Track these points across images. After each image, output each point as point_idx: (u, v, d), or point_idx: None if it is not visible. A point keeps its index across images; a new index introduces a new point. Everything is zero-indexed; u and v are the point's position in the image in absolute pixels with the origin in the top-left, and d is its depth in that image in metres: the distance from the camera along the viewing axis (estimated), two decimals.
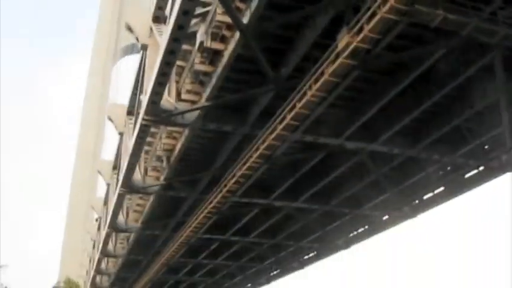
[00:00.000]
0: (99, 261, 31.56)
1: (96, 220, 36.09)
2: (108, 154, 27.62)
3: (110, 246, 28.82)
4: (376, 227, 25.32)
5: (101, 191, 36.74)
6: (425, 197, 22.91)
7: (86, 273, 43.47)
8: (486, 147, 17.81)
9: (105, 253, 28.75)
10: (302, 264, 30.38)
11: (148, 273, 30.32)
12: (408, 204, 23.25)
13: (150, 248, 27.71)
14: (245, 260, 29.53)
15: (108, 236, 25.97)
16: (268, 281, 34.35)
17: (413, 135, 17.03)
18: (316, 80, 11.28)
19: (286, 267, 31.50)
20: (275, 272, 33.08)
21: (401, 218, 23.92)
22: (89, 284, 40.10)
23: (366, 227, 25.62)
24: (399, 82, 13.75)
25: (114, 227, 24.08)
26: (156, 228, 24.71)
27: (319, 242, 26.86)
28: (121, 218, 24.30)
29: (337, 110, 15.31)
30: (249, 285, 36.47)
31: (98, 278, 37.02)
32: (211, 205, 18.30)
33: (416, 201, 23.27)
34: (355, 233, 26.27)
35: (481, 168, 18.43)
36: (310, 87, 11.56)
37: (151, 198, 21.35)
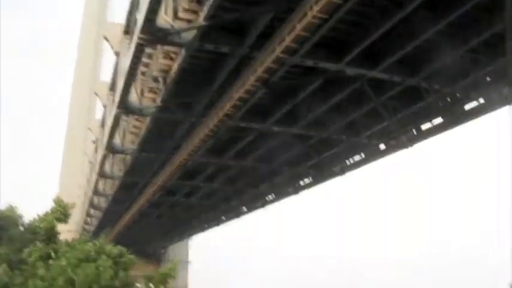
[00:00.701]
0: (97, 182, 31.85)
1: (94, 142, 36.21)
2: (106, 76, 27.34)
3: (107, 167, 28.96)
4: (373, 155, 25.40)
5: (99, 114, 36.63)
6: (423, 127, 22.89)
7: (84, 194, 43.98)
8: (488, 79, 17.54)
9: (102, 174, 28.94)
10: (297, 190, 30.68)
11: (145, 195, 30.69)
12: (406, 134, 23.24)
13: (146, 170, 27.83)
14: (241, 185, 29.80)
15: (104, 157, 26.08)
16: (263, 205, 34.85)
17: (414, 64, 16.71)
18: (317, 0, 10.86)
19: (281, 192, 31.84)
20: (270, 197, 33.48)
21: (398, 147, 23.97)
22: (87, 204, 40.74)
23: (363, 155, 25.70)
24: (404, 7, 13.28)
25: (111, 149, 24.11)
26: (152, 151, 24.69)
27: (315, 169, 27.00)
28: (117, 140, 24.27)
29: (339, 34, 14.89)
30: (245, 209, 37.03)
31: (95, 199, 37.50)
32: (208, 128, 18.19)
33: (414, 131, 23.27)
34: (351, 160, 26.38)
35: (482, 100, 18.23)
36: (310, 8, 11.15)
37: (148, 120, 21.19)
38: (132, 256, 16.54)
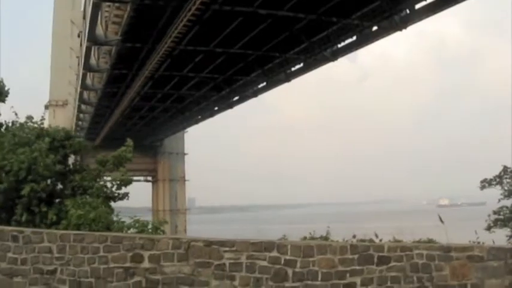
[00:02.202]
0: (84, 77, 31.17)
1: (78, 36, 35.02)
2: None
3: (93, 60, 28.15)
4: (365, 38, 24.68)
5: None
6: (417, 7, 22.01)
7: (75, 90, 43.32)
8: None
9: (88, 68, 28.18)
10: (289, 77, 30.18)
11: (134, 87, 30.17)
12: (398, 14, 22.41)
13: (133, 61, 27.10)
14: (231, 73, 29.21)
15: (89, 50, 25.23)
16: (255, 94, 34.50)
17: None
18: None
19: (273, 80, 31.32)
20: (262, 85, 33.02)
21: (391, 29, 23.20)
22: (77, 100, 40.25)
23: (354, 37, 24.94)
24: None
25: (94, 40, 23.27)
26: (136, 40, 23.87)
27: (305, 54, 26.32)
28: (100, 31, 23.33)
29: None
30: (237, 97, 36.67)
31: (85, 94, 36.91)
32: (190, 12, 17.35)
33: (408, 11, 22.41)
34: (342, 43, 25.66)
35: None
36: None
37: (129, 7, 20.22)
38: (82, 139, 14.68)
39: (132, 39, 23.60)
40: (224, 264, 8.92)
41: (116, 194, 14.31)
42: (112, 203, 14.84)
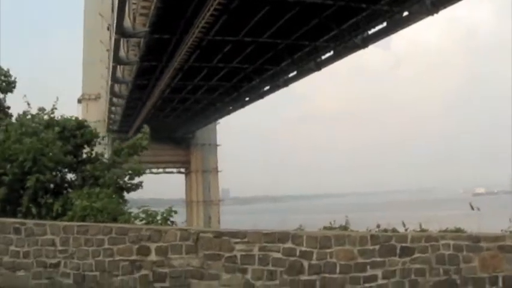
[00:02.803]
0: (114, 70, 31.26)
1: (108, 29, 35.19)
2: None
3: (122, 53, 28.19)
4: (395, 24, 24.08)
5: None
6: None
7: (106, 83, 43.68)
8: None
9: (117, 60, 28.23)
10: (319, 65, 29.74)
11: (164, 78, 30.19)
12: None
13: (162, 53, 27.09)
14: (261, 62, 28.93)
15: (117, 42, 25.26)
16: (285, 84, 34.15)
17: None
18: None
19: (303, 69, 30.94)
20: (292, 74, 32.66)
21: (422, 14, 22.59)
22: (108, 93, 40.57)
23: (385, 24, 24.35)
24: None
25: (122, 32, 23.20)
26: (164, 31, 23.80)
27: (335, 41, 25.87)
28: (128, 23, 23.23)
29: None
30: (268, 87, 36.39)
31: (116, 87, 37.14)
32: (216, 1, 17.13)
33: None
34: (373, 30, 25.09)
35: None
36: None
37: None
38: (92, 129, 13.15)
39: (160, 30, 23.53)
40: (235, 256, 8.49)
41: (129, 185, 13.36)
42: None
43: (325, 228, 10.12)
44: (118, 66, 32.56)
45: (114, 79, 33.69)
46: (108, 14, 34.16)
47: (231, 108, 44.89)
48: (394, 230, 9.44)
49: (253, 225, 11.16)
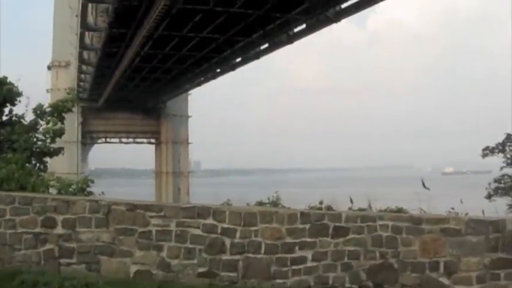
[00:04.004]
0: (82, 36, 30.64)
1: None
2: None
3: (91, 19, 27.65)
4: None
5: None
6: None
7: (76, 50, 42.71)
8: None
9: (85, 26, 27.69)
10: (291, 39, 29.42)
11: (133, 46, 29.59)
12: None
13: (131, 20, 26.42)
14: (232, 33, 28.49)
15: (84, 7, 24.67)
16: (257, 56, 33.80)
17: None
18: None
19: (274, 42, 30.61)
20: (264, 47, 32.31)
21: None
22: (76, 59, 39.76)
23: None
24: None
25: None
26: None
27: (307, 14, 25.59)
28: None
29: None
30: (239, 59, 36.00)
31: (85, 54, 36.44)
32: None
33: None
34: (345, 4, 24.88)
35: None
36: None
37: None
38: (12, 86, 11.07)
39: None
40: (150, 231, 7.78)
41: (51, 149, 11.75)
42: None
43: (257, 203, 9.46)
44: (87, 33, 31.93)
45: (83, 46, 33.04)
46: None
47: (202, 79, 44.35)
48: (329, 208, 8.76)
49: (214, 197, 10.68)
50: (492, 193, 19.85)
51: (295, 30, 28.92)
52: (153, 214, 7.82)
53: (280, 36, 29.55)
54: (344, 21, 26.33)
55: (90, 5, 25.14)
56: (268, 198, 9.62)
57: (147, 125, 60.21)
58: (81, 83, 49.98)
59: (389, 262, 7.88)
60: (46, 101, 12.89)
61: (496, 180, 20.25)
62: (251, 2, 23.59)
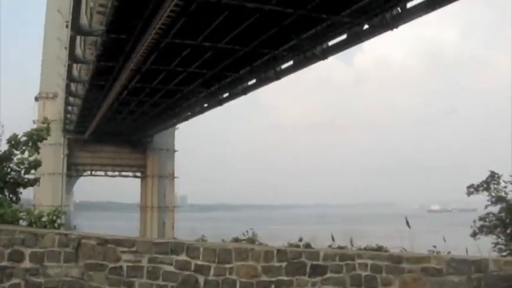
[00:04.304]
0: (70, 68, 30.63)
1: (66, 26, 34.45)
2: None
3: (79, 52, 27.66)
4: (355, 37, 24.17)
5: None
6: (409, 5, 21.56)
7: (63, 82, 42.71)
8: None
9: (73, 58, 27.66)
10: (278, 75, 29.67)
11: (121, 79, 29.62)
12: (390, 12, 21.96)
13: (119, 53, 26.53)
14: (219, 68, 28.68)
15: (73, 40, 24.70)
16: (244, 92, 33.98)
17: None
18: None
19: (261, 78, 30.84)
20: (251, 83, 32.52)
21: (382, 28, 22.76)
22: (64, 91, 39.69)
23: (345, 36, 24.45)
24: None
25: (78, 29, 22.74)
26: (122, 31, 23.32)
27: (294, 51, 25.85)
28: (84, 20, 22.84)
29: None
30: (227, 94, 36.15)
31: (72, 86, 36.38)
32: (174, 2, 16.83)
33: (399, 10, 21.98)
34: (333, 42, 25.18)
35: None
36: None
37: None
38: None
39: (117, 30, 23.06)
40: (121, 267, 7.46)
41: (25, 180, 11.36)
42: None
43: (233, 240, 9.30)
44: (75, 65, 31.92)
45: (70, 78, 33.01)
46: (67, 10, 33.46)
47: (189, 113, 44.43)
48: (307, 246, 8.61)
49: (191, 232, 10.45)
50: (477, 231, 19.79)
51: (283, 66, 29.19)
52: (125, 249, 7.54)
53: (268, 72, 29.80)
54: (332, 59, 26.66)
55: (78, 37, 25.16)
56: (244, 234, 9.45)
57: (133, 158, 59.96)
58: (68, 115, 49.85)
59: None
60: None
61: (481, 219, 20.20)
62: (238, 38, 23.77)
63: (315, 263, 7.70)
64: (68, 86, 35.73)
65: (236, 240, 9.24)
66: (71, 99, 41.29)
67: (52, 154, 56.30)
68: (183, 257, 7.56)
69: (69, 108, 46.47)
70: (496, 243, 18.57)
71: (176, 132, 60.17)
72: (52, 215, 9.56)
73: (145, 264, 7.51)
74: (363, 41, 24.56)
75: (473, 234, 19.82)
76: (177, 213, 63.03)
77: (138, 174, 61.04)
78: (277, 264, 7.64)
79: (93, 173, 61.60)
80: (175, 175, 60.58)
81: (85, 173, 62.97)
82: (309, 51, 25.67)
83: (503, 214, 19.80)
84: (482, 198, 21.61)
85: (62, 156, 56.08)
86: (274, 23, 22.12)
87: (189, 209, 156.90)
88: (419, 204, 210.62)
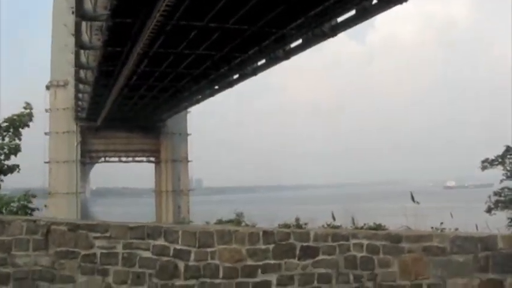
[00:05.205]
0: (77, 55, 30.49)
1: (72, 12, 34.25)
2: None
3: (85, 37, 27.48)
4: (364, 12, 23.68)
5: None
6: None
7: (73, 68, 42.61)
8: None
9: (80, 44, 27.51)
10: (287, 54, 29.29)
11: (129, 64, 29.42)
12: None
13: (126, 38, 26.26)
14: (228, 50, 28.32)
15: (78, 25, 24.52)
16: (254, 73, 33.64)
17: None
18: None
19: (271, 57, 30.44)
20: (261, 63, 32.15)
21: (391, 2, 22.31)
22: (73, 78, 39.64)
23: (354, 11, 23.96)
24: None
25: (82, 15, 22.56)
26: (126, 15, 23.01)
27: (303, 29, 25.41)
28: (89, 5, 22.64)
29: None
30: (237, 76, 35.82)
31: (82, 73, 36.29)
32: None
33: None
34: (342, 18, 24.70)
35: None
36: None
37: None
38: None
39: (122, 14, 22.75)
40: (94, 254, 7.01)
41: (5, 166, 11.26)
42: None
43: (217, 222, 8.75)
44: (83, 52, 31.78)
45: (79, 64, 32.91)
46: None
47: (200, 96, 44.21)
48: (297, 225, 8.02)
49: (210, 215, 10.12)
50: (492, 206, 19.46)
51: (292, 45, 28.78)
52: (98, 235, 7.08)
53: (277, 52, 29.40)
54: (343, 37, 26.23)
55: (84, 23, 24.97)
56: (237, 215, 8.89)
57: (146, 143, 60.05)
58: (79, 102, 49.87)
59: (365, 286, 7.19)
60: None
61: (496, 193, 19.84)
62: (245, 18, 23.38)
63: (305, 244, 7.19)
64: (76, 73, 35.66)
65: (220, 222, 8.73)
66: (81, 86, 41.26)
67: (66, 142, 56.68)
68: (160, 241, 7.10)
69: (80, 95, 46.46)
70: None
71: (188, 115, 60.06)
72: (22, 199, 9.28)
73: (120, 250, 7.06)
74: (372, 15, 24.08)
75: (488, 210, 19.52)
76: (193, 197, 63.17)
77: (152, 159, 61.18)
78: (263, 246, 7.15)
79: (107, 159, 61.95)
80: (189, 159, 60.55)
81: (99, 160, 63.37)
82: (317, 29, 25.22)
83: None
84: (498, 173, 21.25)
85: (76, 144, 56.30)
86: (281, 0, 21.71)
87: (205, 192, 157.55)
88: (434, 182, 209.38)
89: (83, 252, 7.03)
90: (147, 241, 7.09)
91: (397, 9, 22.87)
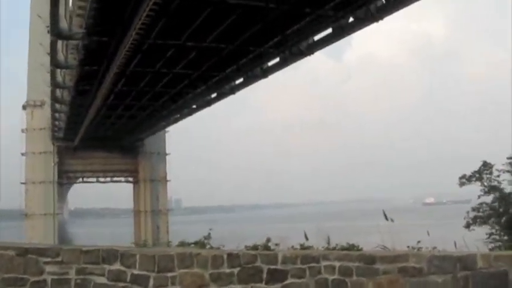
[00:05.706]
0: (53, 74, 30.12)
1: (48, 32, 33.96)
2: None
3: (61, 57, 27.19)
4: (341, 30, 23.88)
5: None
6: None
7: (49, 88, 42.16)
8: None
9: (55, 63, 27.18)
10: (265, 72, 29.36)
11: (106, 83, 29.16)
12: (374, 4, 21.70)
13: (102, 56, 26.05)
14: (205, 68, 28.27)
15: (53, 44, 24.24)
16: (232, 91, 33.59)
17: None
18: None
19: (249, 76, 30.45)
20: (238, 81, 32.13)
21: (367, 20, 22.52)
22: (49, 98, 39.17)
23: (330, 30, 24.14)
24: None
25: (58, 33, 22.30)
26: (102, 34, 22.85)
27: (280, 47, 25.50)
28: (64, 24, 22.41)
29: None
30: (215, 94, 35.74)
31: (58, 93, 35.86)
32: (152, 2, 16.44)
33: (383, 1, 21.74)
34: (318, 36, 24.87)
35: None
36: None
37: None
38: None
39: (98, 32, 22.61)
40: (45, 281, 6.50)
41: None
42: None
43: (179, 244, 8.36)
44: (59, 71, 31.40)
45: (55, 84, 32.52)
46: (48, 15, 32.98)
47: (178, 116, 43.97)
48: (265, 247, 7.57)
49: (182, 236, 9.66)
50: (471, 222, 19.48)
51: (269, 64, 28.88)
52: (48, 260, 6.58)
53: (255, 70, 29.46)
54: (320, 55, 26.35)
55: (60, 42, 24.70)
56: (205, 237, 8.28)
57: (124, 163, 59.46)
58: (56, 122, 49.27)
59: None
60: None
61: (474, 209, 19.88)
62: (223, 37, 23.40)
63: (272, 267, 6.85)
64: (53, 93, 35.22)
65: (182, 244, 8.27)
66: (58, 106, 40.75)
67: (42, 162, 55.90)
68: (116, 266, 6.68)
69: (57, 115, 45.89)
70: (491, 234, 18.25)
71: (167, 135, 59.72)
72: None
73: (73, 276, 6.61)
74: (348, 34, 24.29)
75: (467, 226, 19.49)
76: (172, 217, 62.61)
77: (130, 179, 60.51)
78: (227, 270, 6.79)
79: (85, 179, 61.19)
80: (168, 178, 60.05)
81: (77, 180, 62.56)
82: (294, 47, 25.33)
83: (496, 203, 19.48)
84: (476, 188, 21.30)
85: (53, 164, 55.54)
86: (258, 19, 21.77)
87: (184, 212, 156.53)
88: (414, 198, 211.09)
89: (32, 279, 6.53)
90: (102, 266, 6.66)
91: (373, 27, 23.13)
